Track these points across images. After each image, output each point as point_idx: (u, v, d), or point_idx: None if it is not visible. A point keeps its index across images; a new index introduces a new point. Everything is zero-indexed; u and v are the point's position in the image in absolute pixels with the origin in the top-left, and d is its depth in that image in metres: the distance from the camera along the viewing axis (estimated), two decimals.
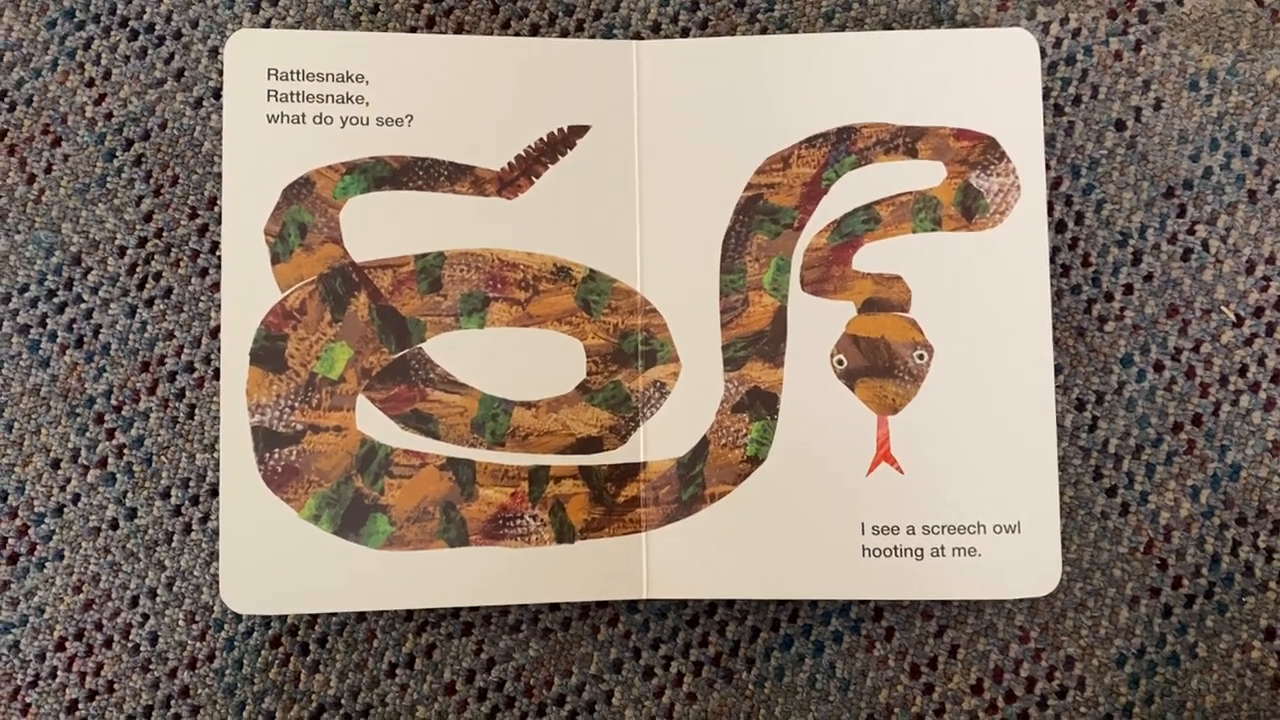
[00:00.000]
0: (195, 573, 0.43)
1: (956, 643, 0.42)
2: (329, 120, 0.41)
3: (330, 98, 0.41)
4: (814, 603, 0.43)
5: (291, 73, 0.41)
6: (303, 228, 0.41)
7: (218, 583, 0.43)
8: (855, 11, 0.45)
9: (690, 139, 0.43)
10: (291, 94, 0.41)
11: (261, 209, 0.41)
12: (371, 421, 0.41)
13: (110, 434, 0.44)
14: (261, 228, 0.41)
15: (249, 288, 0.41)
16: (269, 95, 0.41)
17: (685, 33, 0.45)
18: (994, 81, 0.42)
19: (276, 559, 0.41)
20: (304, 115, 0.41)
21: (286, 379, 0.41)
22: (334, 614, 0.43)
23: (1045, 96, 0.44)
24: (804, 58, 0.43)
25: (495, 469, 0.42)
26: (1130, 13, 0.44)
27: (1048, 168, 0.44)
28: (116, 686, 0.43)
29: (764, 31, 0.45)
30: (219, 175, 0.44)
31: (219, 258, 0.44)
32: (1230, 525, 0.42)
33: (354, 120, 0.42)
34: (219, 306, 0.44)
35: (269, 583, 0.41)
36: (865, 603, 0.43)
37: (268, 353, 0.41)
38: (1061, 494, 0.42)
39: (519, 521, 0.41)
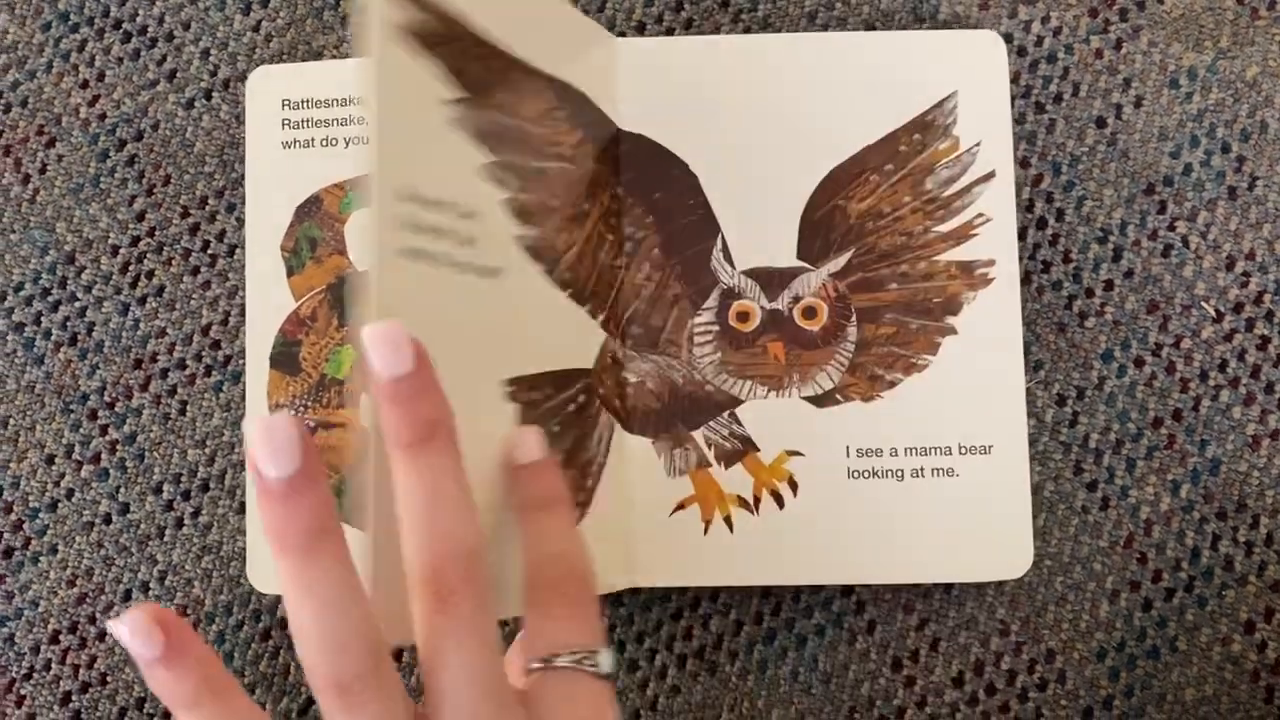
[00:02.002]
0: (186, 567, 0.44)
1: (938, 636, 0.43)
2: (335, 142, 0.44)
3: (335, 121, 0.44)
4: (797, 595, 0.43)
5: (302, 101, 0.44)
6: (313, 242, 0.44)
7: (209, 577, 0.43)
8: (839, 11, 0.45)
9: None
10: (302, 121, 0.44)
11: (278, 227, 0.44)
12: None
13: (104, 430, 0.44)
14: (278, 244, 0.44)
15: (269, 299, 0.44)
16: (283, 124, 0.44)
17: (670, 32, 0.45)
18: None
19: None
20: (313, 140, 0.44)
21: (301, 380, 0.43)
22: None
23: (1026, 94, 0.44)
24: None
25: None
26: (1111, 10, 0.45)
27: (1029, 165, 0.44)
28: (109, 679, 0.44)
29: (748, 31, 0.45)
30: (210, 175, 0.45)
31: (210, 255, 0.45)
32: (1210, 519, 0.43)
33: (357, 140, 0.44)
34: (210, 303, 0.45)
35: None
36: (848, 595, 0.43)
37: (285, 357, 0.43)
38: (1042, 488, 0.43)
39: None
